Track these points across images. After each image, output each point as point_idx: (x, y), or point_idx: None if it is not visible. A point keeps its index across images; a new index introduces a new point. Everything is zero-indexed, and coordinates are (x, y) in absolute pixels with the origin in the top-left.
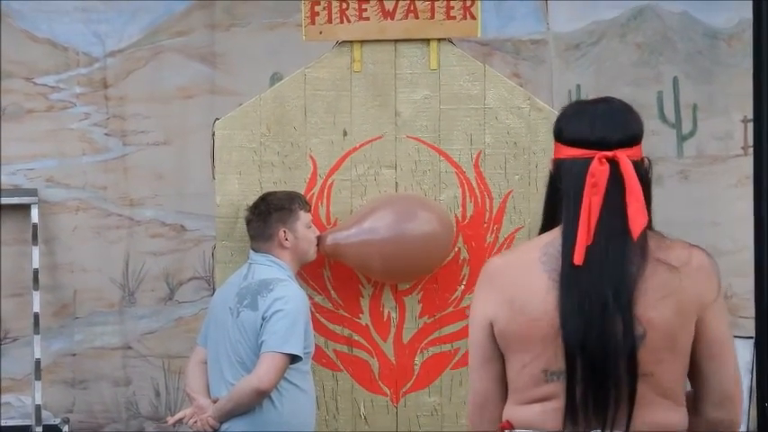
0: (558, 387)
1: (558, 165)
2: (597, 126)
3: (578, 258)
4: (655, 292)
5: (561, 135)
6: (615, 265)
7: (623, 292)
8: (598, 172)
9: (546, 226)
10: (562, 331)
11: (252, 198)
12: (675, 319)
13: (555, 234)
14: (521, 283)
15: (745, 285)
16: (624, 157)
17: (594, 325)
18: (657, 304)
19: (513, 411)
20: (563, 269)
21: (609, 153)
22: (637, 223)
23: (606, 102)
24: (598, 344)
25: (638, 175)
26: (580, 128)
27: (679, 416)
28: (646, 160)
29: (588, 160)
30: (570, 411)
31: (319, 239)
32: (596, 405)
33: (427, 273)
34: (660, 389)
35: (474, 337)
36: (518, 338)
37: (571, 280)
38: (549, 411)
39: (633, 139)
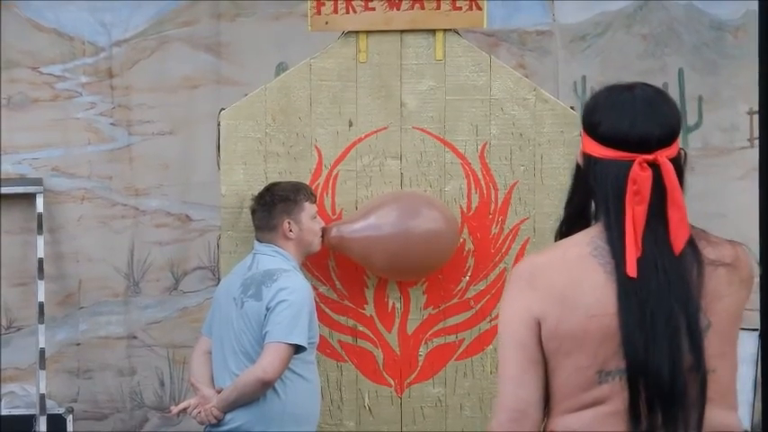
0: (612, 388)
1: (591, 162)
2: (637, 123)
3: (632, 271)
4: (715, 291)
5: (595, 130)
6: (672, 275)
7: (689, 301)
8: (640, 179)
9: (571, 222)
10: (624, 347)
11: (257, 188)
12: (734, 315)
13: (599, 229)
14: (573, 278)
15: None
16: (666, 161)
17: (659, 336)
18: (721, 298)
19: (559, 422)
20: (618, 277)
21: (650, 156)
22: (679, 237)
23: (642, 89)
24: (663, 349)
25: (677, 172)
26: (618, 124)
27: (737, 419)
28: (682, 153)
29: (627, 163)
30: (633, 412)
31: (324, 231)
32: (664, 404)
33: (430, 271)
34: (720, 388)
35: (515, 339)
36: (573, 338)
37: (629, 290)
38: (603, 416)
39: (673, 134)
